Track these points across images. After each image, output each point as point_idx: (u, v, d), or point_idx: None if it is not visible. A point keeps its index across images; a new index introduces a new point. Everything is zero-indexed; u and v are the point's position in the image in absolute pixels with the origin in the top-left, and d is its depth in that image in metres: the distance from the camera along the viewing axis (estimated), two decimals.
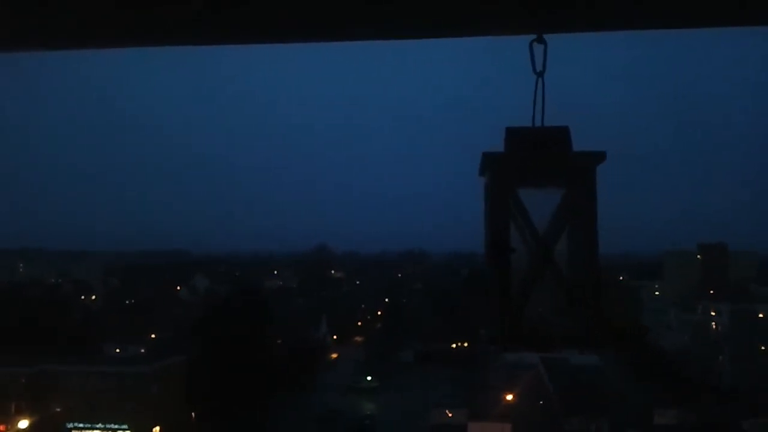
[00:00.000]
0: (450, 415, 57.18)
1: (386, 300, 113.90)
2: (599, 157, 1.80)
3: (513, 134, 1.83)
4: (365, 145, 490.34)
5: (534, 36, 1.79)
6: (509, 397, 58.38)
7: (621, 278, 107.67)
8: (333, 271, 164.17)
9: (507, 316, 1.79)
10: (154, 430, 57.19)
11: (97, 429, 57.29)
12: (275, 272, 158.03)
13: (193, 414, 60.28)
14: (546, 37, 1.79)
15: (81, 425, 57.28)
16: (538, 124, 1.83)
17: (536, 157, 1.81)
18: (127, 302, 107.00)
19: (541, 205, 1.81)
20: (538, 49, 1.80)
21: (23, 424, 56.08)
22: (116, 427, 56.79)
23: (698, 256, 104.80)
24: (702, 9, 1.82)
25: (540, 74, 1.81)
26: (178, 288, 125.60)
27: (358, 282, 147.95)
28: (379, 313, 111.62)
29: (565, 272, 1.78)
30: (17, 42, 1.93)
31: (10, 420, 56.38)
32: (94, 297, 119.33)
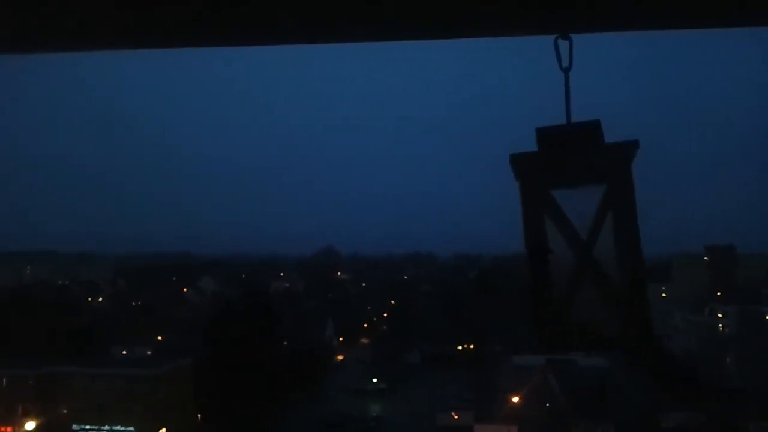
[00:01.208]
0: (456, 417, 57.12)
1: (392, 302, 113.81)
2: (633, 146, 1.78)
3: (544, 133, 1.82)
4: (372, 147, 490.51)
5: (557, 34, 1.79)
6: (516, 399, 58.25)
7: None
8: (339, 273, 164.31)
9: (550, 318, 1.78)
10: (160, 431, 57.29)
11: (103, 431, 57.41)
12: (281, 274, 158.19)
13: (199, 416, 60.34)
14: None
15: (88, 427, 57.39)
16: (566, 120, 1.82)
17: (569, 155, 1.79)
18: (133, 304, 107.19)
19: (578, 203, 1.80)
20: (563, 45, 1.80)
21: (30, 425, 56.25)
22: (122, 429, 56.88)
23: (706, 258, 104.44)
24: (722, 8, 1.80)
25: (566, 70, 1.80)
26: (185, 290, 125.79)
27: (364, 284, 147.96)
28: (385, 315, 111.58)
29: (608, 271, 1.76)
30: (18, 43, 1.92)
31: (17, 421, 56.57)
32: (101, 299, 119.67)
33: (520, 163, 1.83)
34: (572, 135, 1.79)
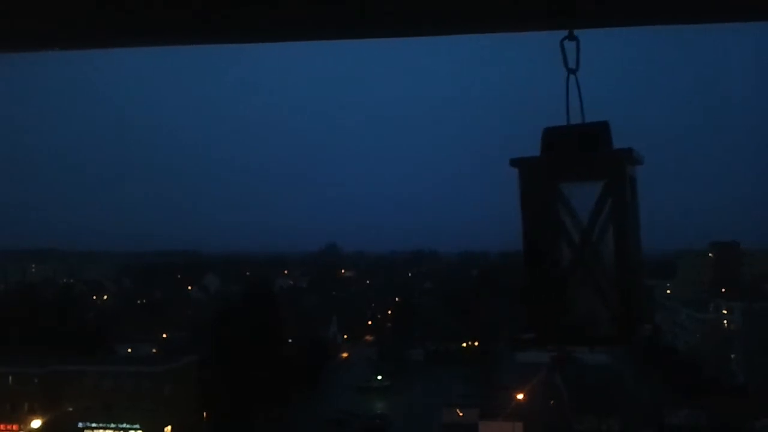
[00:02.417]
0: (461, 414, 57.14)
1: (396, 299, 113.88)
2: (629, 151, 1.78)
3: (550, 134, 1.83)
4: (375, 145, 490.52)
5: (565, 33, 1.79)
6: (520, 396, 58.28)
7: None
8: (343, 271, 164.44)
9: (546, 315, 1.80)
10: (165, 429, 57.39)
11: (109, 429, 57.56)
12: (286, 272, 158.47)
13: (204, 414, 60.47)
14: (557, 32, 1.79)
15: (93, 425, 57.56)
16: (572, 122, 1.83)
17: (572, 155, 1.80)
18: (138, 302, 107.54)
19: (577, 203, 1.81)
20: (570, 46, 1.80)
21: (36, 423, 56.44)
22: (128, 426, 57.03)
23: (710, 255, 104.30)
24: (726, 2, 1.80)
25: (572, 71, 1.80)
26: (190, 288, 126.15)
27: (368, 281, 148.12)
28: (389, 312, 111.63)
29: (604, 269, 1.78)
30: (18, 43, 1.92)
31: (23, 420, 56.78)
32: (106, 297, 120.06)
33: (519, 164, 1.84)
34: (578, 136, 1.80)
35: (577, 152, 1.80)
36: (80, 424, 57.33)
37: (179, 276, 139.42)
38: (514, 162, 1.84)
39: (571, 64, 1.80)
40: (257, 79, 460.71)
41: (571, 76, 1.81)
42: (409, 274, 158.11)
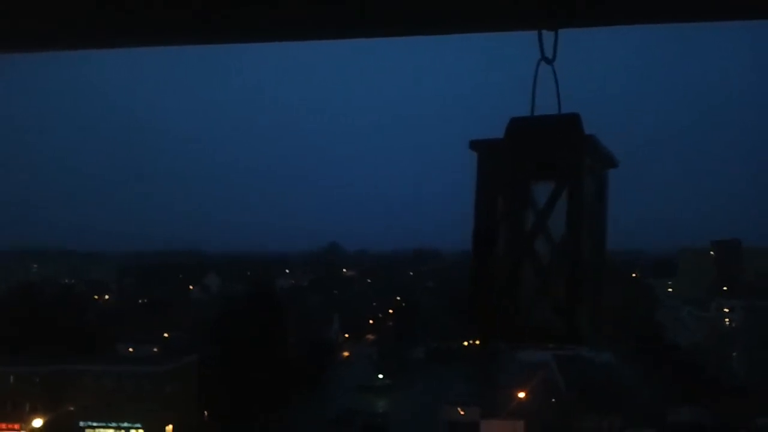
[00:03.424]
0: (462, 412, 57.15)
1: (398, 298, 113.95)
2: (590, 140, 1.71)
3: (514, 123, 1.76)
4: (376, 144, 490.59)
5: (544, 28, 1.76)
6: (521, 394, 58.27)
7: (634, 275, 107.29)
8: (344, 270, 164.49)
9: (487, 310, 1.73)
10: (167, 429, 57.46)
11: (110, 428, 57.65)
12: (287, 271, 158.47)
13: (205, 413, 60.53)
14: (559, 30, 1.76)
15: (94, 424, 57.65)
16: (542, 113, 1.77)
17: (534, 145, 1.74)
18: (140, 302, 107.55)
19: (533, 196, 1.74)
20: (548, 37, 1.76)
21: (37, 423, 56.50)
22: (129, 426, 57.12)
23: (712, 253, 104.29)
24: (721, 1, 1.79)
25: (549, 61, 1.75)
26: (191, 287, 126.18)
27: (369, 280, 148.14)
28: (390, 311, 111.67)
29: (554, 267, 1.70)
30: (18, 42, 1.93)
31: (24, 419, 56.84)
32: (107, 297, 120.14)
33: (479, 148, 1.79)
34: (543, 126, 1.74)
35: (539, 143, 1.74)
36: (81, 424, 57.42)
37: (180, 276, 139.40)
38: (474, 144, 1.79)
39: (548, 54, 1.76)
40: (257, 80, 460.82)
41: (548, 66, 1.76)
42: (411, 273, 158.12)
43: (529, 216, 1.74)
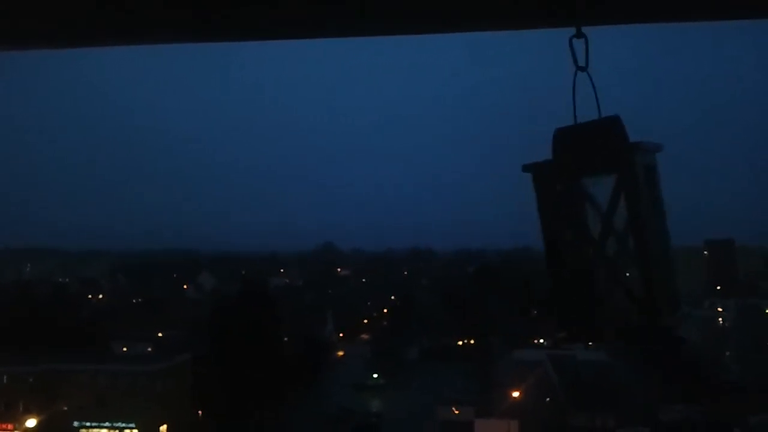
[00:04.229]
0: (457, 412, 57.17)
1: (392, 297, 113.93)
2: (637, 143, 1.78)
3: (561, 134, 1.83)
4: (372, 143, 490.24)
5: (573, 31, 1.78)
6: (516, 393, 58.31)
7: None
8: (339, 269, 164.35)
9: (574, 313, 1.81)
10: (161, 428, 57.35)
11: (104, 427, 57.48)
12: (281, 270, 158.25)
13: (200, 412, 60.41)
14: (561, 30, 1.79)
15: (88, 424, 57.47)
16: (582, 120, 1.83)
17: (584, 152, 1.80)
18: (134, 301, 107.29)
19: (595, 202, 1.81)
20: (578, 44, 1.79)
21: (31, 423, 56.31)
22: (123, 425, 56.96)
23: (705, 253, 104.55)
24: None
25: (582, 68, 1.79)
26: (185, 286, 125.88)
27: (364, 280, 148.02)
28: (385, 310, 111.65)
29: (627, 263, 1.78)
30: (18, 41, 1.93)
31: (18, 419, 56.62)
32: (101, 296, 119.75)
33: (533, 169, 1.86)
34: (589, 133, 1.80)
35: (588, 149, 1.80)
36: (75, 423, 57.23)
37: (175, 275, 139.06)
38: (528, 167, 1.86)
39: (582, 62, 1.80)
40: (252, 78, 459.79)
41: (583, 74, 1.81)
42: (406, 272, 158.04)
43: (594, 220, 1.82)
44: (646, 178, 1.81)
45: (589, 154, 1.80)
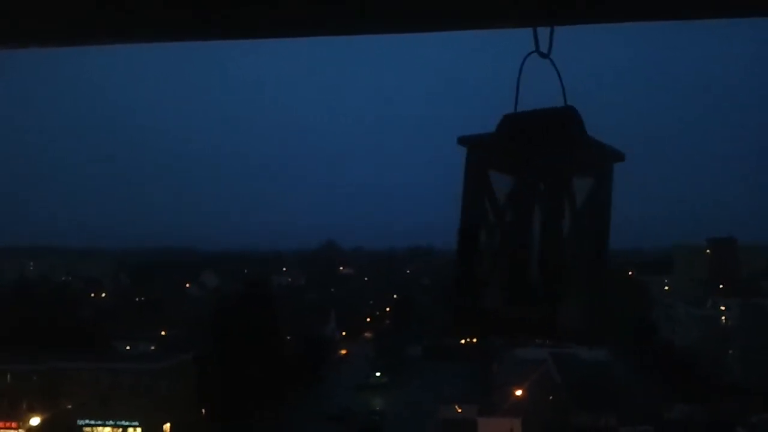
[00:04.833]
0: (459, 410, 57.24)
1: (395, 296, 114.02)
2: (572, 140, 1.70)
3: (507, 119, 1.76)
4: (373, 141, 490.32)
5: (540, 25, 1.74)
6: (518, 392, 58.34)
7: (630, 273, 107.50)
8: (341, 268, 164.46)
9: (465, 304, 1.75)
10: (164, 426, 57.47)
11: (108, 426, 57.62)
12: (284, 269, 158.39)
13: (203, 411, 60.51)
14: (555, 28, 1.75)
15: (92, 422, 57.60)
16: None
17: (525, 140, 1.73)
18: (137, 300, 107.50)
19: (519, 189, 1.73)
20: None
21: (35, 421, 56.46)
22: (127, 424, 57.09)
23: (707, 251, 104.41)
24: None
25: (544, 55, 1.73)
26: (188, 285, 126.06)
27: (366, 278, 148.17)
28: (387, 309, 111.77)
29: (533, 255, 1.69)
30: (18, 40, 1.93)
31: (22, 417, 56.78)
32: (104, 294, 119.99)
33: (467, 143, 1.79)
34: (534, 122, 1.72)
35: (527, 138, 1.73)
36: (79, 422, 57.36)
37: (177, 273, 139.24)
38: (463, 139, 1.79)
39: (544, 49, 1.74)
40: (253, 76, 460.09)
41: (544, 62, 1.75)
42: (408, 271, 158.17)
43: (514, 212, 1.74)
44: (588, 181, 1.74)
45: (528, 144, 1.73)
